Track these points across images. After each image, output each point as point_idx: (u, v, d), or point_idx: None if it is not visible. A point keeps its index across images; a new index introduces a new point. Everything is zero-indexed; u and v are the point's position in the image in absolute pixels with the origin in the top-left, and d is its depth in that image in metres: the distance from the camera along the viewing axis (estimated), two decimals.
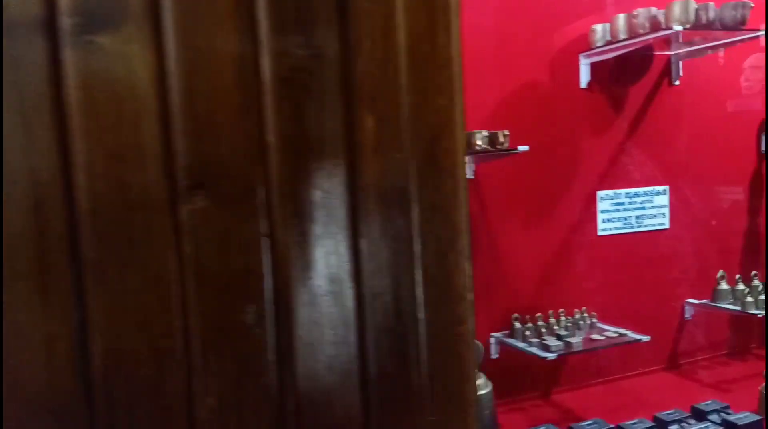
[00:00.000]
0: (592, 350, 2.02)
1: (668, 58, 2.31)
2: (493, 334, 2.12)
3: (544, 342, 1.91)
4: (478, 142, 1.72)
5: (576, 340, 1.91)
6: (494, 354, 2.13)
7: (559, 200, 2.21)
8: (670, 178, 2.36)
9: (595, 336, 1.98)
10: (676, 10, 1.85)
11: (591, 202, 2.26)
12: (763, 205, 2.52)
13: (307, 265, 0.93)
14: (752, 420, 1.83)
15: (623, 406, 2.10)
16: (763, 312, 2.16)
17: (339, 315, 0.95)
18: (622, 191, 2.29)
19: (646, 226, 2.34)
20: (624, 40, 1.98)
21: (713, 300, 2.31)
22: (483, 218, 2.12)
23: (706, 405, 1.95)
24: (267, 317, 0.88)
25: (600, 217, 2.27)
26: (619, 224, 2.29)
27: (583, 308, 2.16)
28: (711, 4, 1.92)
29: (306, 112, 0.91)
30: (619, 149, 2.28)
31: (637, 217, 2.32)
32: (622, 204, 2.30)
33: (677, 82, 2.32)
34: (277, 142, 0.90)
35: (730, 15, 1.89)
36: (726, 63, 2.37)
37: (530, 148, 2.13)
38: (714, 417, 1.90)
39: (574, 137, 2.22)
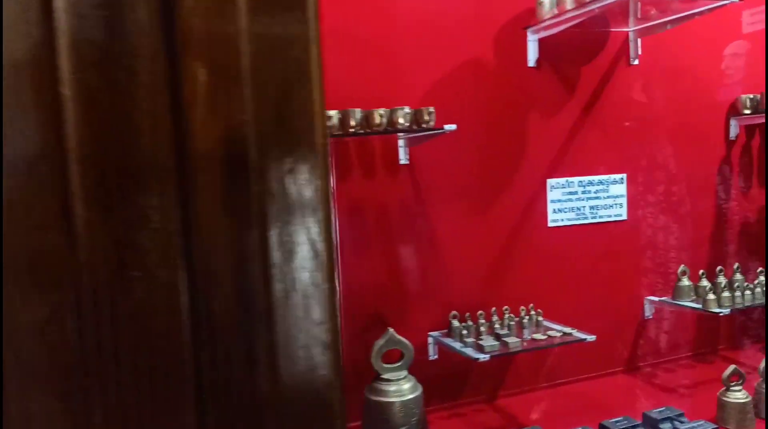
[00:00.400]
0: (531, 351, 1.85)
1: (626, 36, 2.14)
2: (431, 333, 1.94)
3: (479, 342, 1.73)
4: (400, 120, 1.55)
5: (513, 341, 1.73)
6: (432, 355, 1.95)
7: (505, 188, 2.04)
8: (628, 166, 2.19)
9: (538, 336, 1.80)
10: None
11: (541, 190, 2.08)
12: (732, 194, 2.36)
13: (119, 247, 0.75)
14: None
15: (571, 412, 1.93)
16: (727, 311, 1.98)
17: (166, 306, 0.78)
18: (575, 179, 2.12)
19: (601, 217, 2.17)
20: (571, 10, 1.80)
21: (674, 297, 2.14)
22: (420, 207, 1.94)
23: (659, 412, 1.78)
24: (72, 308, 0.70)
25: (550, 207, 2.09)
26: (571, 215, 2.12)
27: (530, 305, 1.98)
28: None
29: (111, 59, 0.73)
30: (572, 134, 2.11)
31: (592, 207, 2.15)
32: (575, 193, 2.12)
33: (636, 62, 2.14)
34: (73, 94, 0.73)
35: None
36: (689, 40, 2.19)
37: (475, 131, 1.97)
38: (666, 426, 1.73)
39: (522, 120, 2.04)
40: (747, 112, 2.25)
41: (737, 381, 1.76)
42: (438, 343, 1.91)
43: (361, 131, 1.54)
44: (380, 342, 1.71)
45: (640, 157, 2.20)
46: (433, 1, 1.90)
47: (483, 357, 1.68)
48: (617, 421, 1.74)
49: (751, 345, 2.39)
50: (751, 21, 2.40)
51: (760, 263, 2.32)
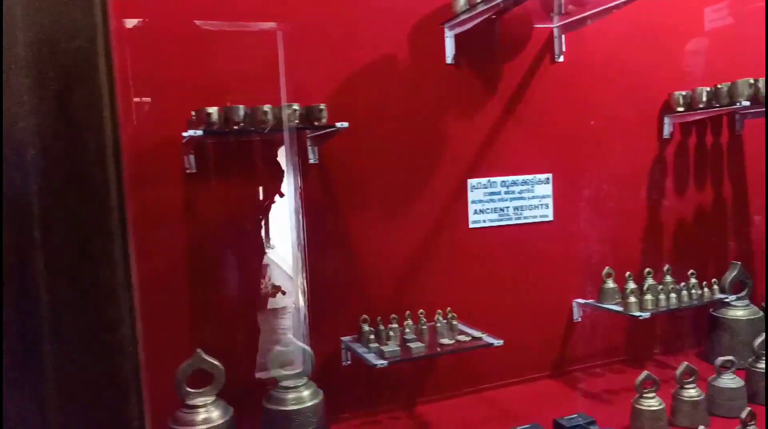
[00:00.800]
0: (434, 356, 1.79)
1: (550, 32, 2.08)
2: (343, 338, 1.88)
3: (381, 348, 1.67)
4: (291, 119, 1.49)
5: (416, 346, 1.68)
6: (345, 360, 1.89)
7: (423, 189, 1.98)
8: (554, 166, 2.13)
9: (445, 340, 1.74)
10: None
11: (461, 191, 2.02)
12: (666, 195, 2.30)
13: None
14: None
15: (486, 419, 1.88)
16: (647, 314, 1.93)
17: None
18: (497, 179, 2.06)
19: (526, 218, 2.11)
20: (481, 3, 1.73)
21: (599, 300, 2.09)
22: (332, 208, 1.88)
23: (569, 419, 1.72)
24: None
25: (471, 207, 2.03)
26: (494, 216, 2.06)
27: (448, 309, 1.91)
28: None
29: None
30: (494, 133, 2.05)
31: (516, 208, 2.09)
32: (498, 193, 2.06)
33: (561, 59, 2.09)
34: None
35: None
36: (618, 37, 2.14)
37: (390, 129, 1.91)
38: None
39: (441, 118, 1.98)
40: (680, 109, 2.19)
41: (651, 388, 1.71)
42: (348, 348, 1.85)
43: (251, 129, 1.48)
44: (184, 365, 1.60)
45: (567, 156, 2.14)
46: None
47: (381, 363, 1.62)
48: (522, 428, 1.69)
49: (687, 349, 2.33)
50: (711, 18, 2.35)
51: (693, 265, 2.26)
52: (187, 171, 1.70)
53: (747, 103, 1.95)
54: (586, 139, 2.16)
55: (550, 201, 2.13)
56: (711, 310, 2.21)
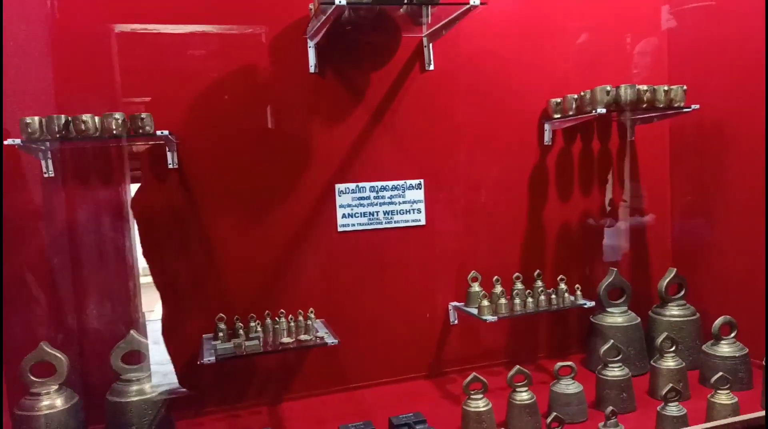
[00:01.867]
0: (269, 353, 1.85)
1: (419, 41, 2.13)
2: (205, 336, 1.96)
3: (216, 345, 1.76)
4: (113, 126, 1.59)
5: (251, 344, 1.75)
6: (201, 359, 1.96)
7: (290, 194, 2.05)
8: (426, 172, 2.18)
9: (286, 339, 1.82)
10: None
11: (329, 195, 2.09)
12: (548, 201, 2.32)
13: None
14: None
15: (342, 415, 1.92)
16: (494, 318, 1.96)
17: None
18: (366, 184, 2.12)
19: (397, 222, 2.16)
20: (322, 14, 1.79)
21: (466, 304, 2.12)
22: (192, 212, 1.97)
23: (404, 417, 1.77)
24: None
25: (339, 211, 2.10)
26: (363, 220, 2.12)
27: (310, 310, 1.98)
28: None
29: None
30: (361, 140, 2.11)
31: (386, 212, 2.14)
32: (367, 198, 2.12)
33: (431, 67, 2.13)
34: None
35: None
36: (490, 44, 2.17)
37: (252, 137, 1.99)
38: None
39: (306, 126, 2.05)
40: (557, 116, 2.20)
41: (479, 389, 1.74)
42: (205, 346, 1.93)
43: (73, 136, 1.59)
44: (120, 345, 1.75)
45: (441, 162, 2.19)
46: (201, 5, 1.93)
47: (209, 360, 1.70)
48: (356, 425, 1.74)
49: (572, 354, 2.34)
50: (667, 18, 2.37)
51: (574, 271, 2.27)
52: (45, 175, 1.82)
53: (603, 111, 1.96)
54: (461, 146, 2.20)
55: (422, 206, 2.17)
56: (591, 316, 2.22)
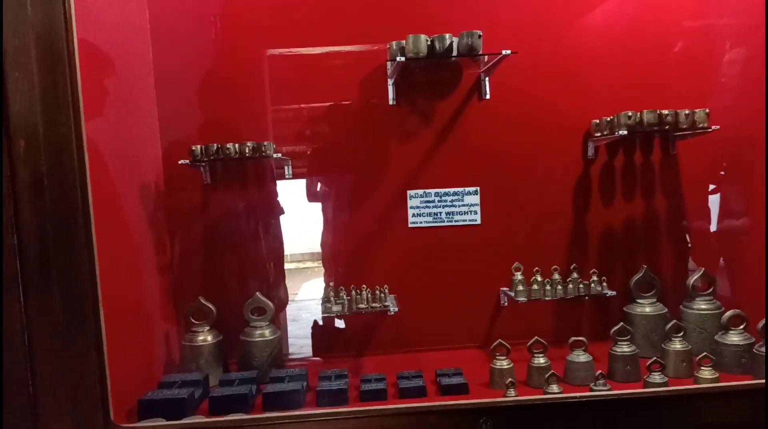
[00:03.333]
0: (345, 315, 2.49)
1: (477, 76, 2.65)
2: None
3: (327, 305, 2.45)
4: (247, 152, 2.34)
5: (336, 307, 2.42)
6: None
7: (372, 197, 2.69)
8: (482, 181, 2.69)
9: (362, 306, 2.46)
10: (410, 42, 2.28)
11: (402, 200, 2.69)
12: (591, 207, 2.71)
13: None
14: (457, 382, 2.19)
15: (401, 368, 2.52)
16: (525, 299, 2.43)
17: None
18: (432, 191, 2.69)
19: (456, 221, 2.70)
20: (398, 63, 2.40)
21: (510, 288, 2.60)
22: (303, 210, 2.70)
23: (447, 370, 2.32)
24: None
25: (410, 211, 2.70)
26: (429, 219, 2.70)
27: (385, 286, 2.60)
28: (447, 34, 2.29)
29: None
30: (429, 156, 2.68)
31: (447, 213, 2.70)
32: (432, 202, 2.69)
33: (487, 97, 2.64)
34: None
35: (463, 43, 2.26)
36: (533, 77, 2.62)
37: (344, 154, 2.66)
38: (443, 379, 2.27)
39: (386, 146, 2.68)
40: (597, 134, 2.60)
41: (503, 353, 2.24)
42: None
43: (221, 157, 2.37)
44: (249, 302, 2.50)
45: (495, 173, 2.68)
46: (305, 61, 2.63)
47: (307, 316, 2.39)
48: (409, 372, 2.33)
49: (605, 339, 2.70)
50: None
51: (609, 268, 2.64)
52: (205, 182, 2.64)
53: (624, 132, 2.34)
54: (512, 160, 2.68)
55: (478, 208, 2.70)
56: (623, 307, 2.59)
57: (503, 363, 2.23)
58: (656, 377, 2.03)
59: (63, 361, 1.76)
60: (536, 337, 2.24)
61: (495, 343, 2.25)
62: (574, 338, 2.25)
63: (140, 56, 2.53)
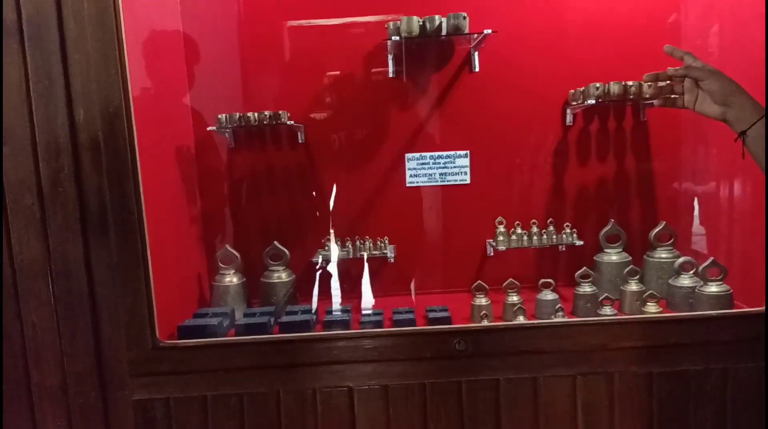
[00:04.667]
0: (348, 260, 2.90)
1: (468, 50, 2.98)
2: (319, 250, 3.09)
3: (322, 253, 2.86)
4: (264, 120, 2.74)
5: (341, 253, 2.83)
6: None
7: (373, 160, 3.07)
8: (472, 146, 3.04)
9: (364, 253, 2.86)
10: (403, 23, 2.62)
11: (401, 162, 3.07)
12: (567, 168, 3.05)
13: None
14: (441, 316, 2.60)
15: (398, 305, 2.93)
16: (504, 248, 2.81)
17: None
18: (427, 154, 3.06)
19: (448, 181, 3.07)
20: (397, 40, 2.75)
21: (494, 239, 2.98)
22: (312, 169, 3.09)
23: (436, 307, 2.73)
24: None
25: (408, 172, 3.07)
26: (424, 178, 3.07)
27: (385, 237, 3.00)
28: (437, 16, 2.62)
29: None
30: (425, 123, 3.04)
31: (441, 173, 3.07)
32: (427, 163, 3.06)
33: (476, 69, 2.97)
34: None
35: (450, 24, 2.59)
36: (517, 50, 2.94)
37: (349, 122, 3.04)
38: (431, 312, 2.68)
39: (386, 114, 3.04)
40: (574, 103, 2.92)
41: (482, 291, 2.64)
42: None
43: (243, 125, 2.76)
44: (267, 249, 2.93)
45: (483, 138, 3.03)
46: (316, 33, 2.99)
47: (316, 261, 2.81)
48: (404, 309, 2.74)
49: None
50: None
51: (572, 220, 2.99)
52: (230, 146, 3.05)
53: (592, 102, 2.66)
54: (499, 126, 3.02)
55: (468, 169, 3.06)
56: (594, 256, 2.96)
57: (482, 300, 2.63)
58: (606, 310, 2.41)
59: (118, 289, 2.21)
60: (510, 279, 2.62)
61: (475, 284, 2.64)
62: (543, 280, 2.63)
63: (173, 34, 2.91)
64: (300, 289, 3.02)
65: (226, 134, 3.01)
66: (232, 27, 3.00)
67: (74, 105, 2.17)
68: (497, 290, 2.72)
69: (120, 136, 2.18)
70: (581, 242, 2.84)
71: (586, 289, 2.62)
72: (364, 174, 3.08)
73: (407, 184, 3.08)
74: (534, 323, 2.26)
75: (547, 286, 2.63)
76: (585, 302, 2.60)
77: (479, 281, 2.64)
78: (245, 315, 2.72)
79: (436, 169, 3.07)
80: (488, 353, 2.22)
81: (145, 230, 2.21)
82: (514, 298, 2.61)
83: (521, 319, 2.41)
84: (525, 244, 2.83)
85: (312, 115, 3.04)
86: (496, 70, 2.99)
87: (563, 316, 2.42)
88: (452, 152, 3.05)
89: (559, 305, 2.45)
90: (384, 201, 3.10)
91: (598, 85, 2.67)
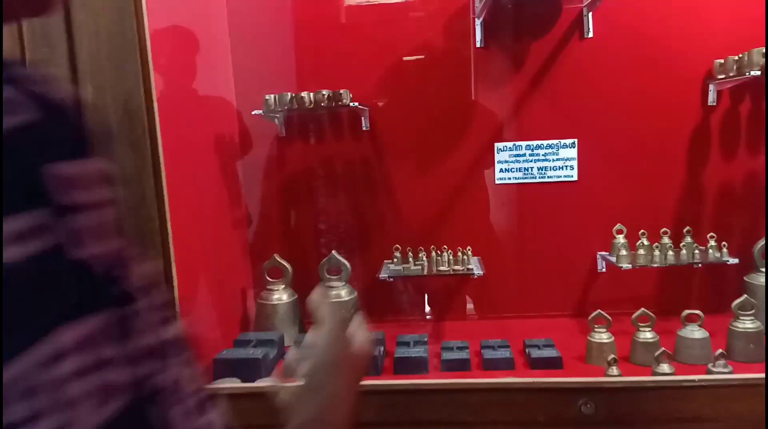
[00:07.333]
0: (424, 276, 2.31)
1: (578, 11, 2.32)
2: (386, 260, 2.52)
3: (392, 266, 2.29)
4: (322, 101, 2.18)
5: (415, 268, 2.25)
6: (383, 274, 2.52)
7: (456, 150, 2.47)
8: (580, 132, 2.40)
9: (443, 268, 2.27)
10: None
11: (489, 153, 2.46)
12: (709, 160, 2.36)
13: None
14: (549, 355, 1.98)
15: (485, 335, 2.34)
16: (630, 266, 2.15)
17: None
18: (523, 143, 2.43)
19: (550, 177, 2.44)
20: None
21: (611, 253, 2.33)
22: (379, 163, 2.52)
23: (537, 341, 2.12)
24: None
25: (498, 166, 2.45)
26: (519, 174, 2.45)
27: (468, 247, 2.40)
28: None
29: None
30: (520, 104, 2.41)
31: (540, 168, 2.44)
32: (523, 155, 2.44)
33: (590, 35, 2.32)
34: None
35: None
36: (644, 10, 2.27)
37: (426, 103, 2.45)
38: (533, 351, 2.07)
39: (471, 94, 2.43)
40: (721, 77, 2.23)
41: (603, 325, 2.01)
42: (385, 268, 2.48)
43: (296, 108, 2.22)
44: (324, 261, 2.39)
45: (595, 123, 2.38)
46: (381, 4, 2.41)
47: (383, 277, 2.25)
48: (495, 342, 2.14)
49: (724, 309, 2.38)
50: None
51: (730, 232, 2.30)
52: (280, 135, 2.52)
53: (757, 73, 1.97)
54: (617, 108, 2.36)
55: (575, 163, 2.41)
56: (744, 276, 2.26)
57: (603, 336, 2.00)
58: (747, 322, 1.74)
59: None
60: (642, 309, 1.98)
61: (594, 314, 2.01)
62: (688, 311, 1.97)
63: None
64: (364, 309, 2.45)
65: (276, 120, 2.47)
66: None
67: (80, 81, 1.69)
68: (613, 317, 2.06)
69: (138, 124, 1.69)
70: (735, 260, 2.15)
71: (747, 325, 1.94)
72: (442, 168, 2.48)
73: (496, 182, 2.47)
74: (695, 381, 1.61)
75: (693, 319, 1.97)
76: (747, 342, 1.93)
77: (599, 311, 2.01)
78: (296, 342, 2.18)
79: (534, 162, 2.44)
80: (627, 420, 1.60)
81: (170, 244, 1.70)
82: (648, 336, 1.97)
83: (666, 369, 1.77)
84: (657, 261, 2.17)
85: (378, 99, 2.47)
86: (614, 36, 2.32)
87: (726, 365, 1.76)
88: (555, 141, 2.42)
89: (720, 351, 1.78)
90: (467, 202, 2.50)
91: (764, 50, 1.97)
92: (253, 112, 2.33)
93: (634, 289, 2.44)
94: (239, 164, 2.55)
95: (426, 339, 2.17)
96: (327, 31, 2.45)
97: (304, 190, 2.56)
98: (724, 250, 2.16)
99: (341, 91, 2.20)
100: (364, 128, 2.48)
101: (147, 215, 1.67)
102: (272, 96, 2.23)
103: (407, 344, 2.13)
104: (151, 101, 1.69)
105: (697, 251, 2.17)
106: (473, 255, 2.40)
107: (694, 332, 1.96)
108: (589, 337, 2.02)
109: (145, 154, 1.68)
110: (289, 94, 2.22)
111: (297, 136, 2.53)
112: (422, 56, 2.43)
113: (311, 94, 2.22)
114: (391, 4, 2.41)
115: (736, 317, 1.97)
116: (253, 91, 2.42)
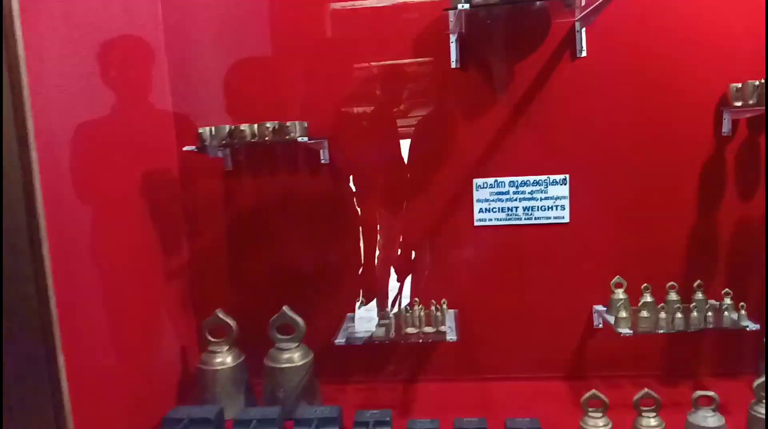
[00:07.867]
0: (388, 342, 1.96)
1: (569, 27, 1.98)
2: (349, 314, 2.18)
3: (351, 328, 1.95)
4: (267, 134, 1.84)
5: (378, 332, 1.91)
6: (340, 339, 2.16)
7: (428, 187, 2.13)
8: (573, 167, 2.06)
9: (410, 330, 1.93)
10: None
11: (467, 190, 2.11)
12: (724, 199, 2.02)
13: None
14: None
15: (461, 405, 2.00)
16: (630, 332, 1.81)
17: None
18: (506, 179, 2.09)
19: (537, 218, 2.09)
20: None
21: (608, 310, 1.99)
22: (340, 202, 2.17)
23: (520, 421, 1.77)
24: None
25: (477, 206, 2.11)
26: (501, 215, 2.11)
27: (443, 301, 2.05)
28: None
29: None
30: (502, 134, 2.07)
31: (526, 208, 2.09)
32: (506, 193, 2.10)
33: (583, 54, 1.98)
34: None
35: None
36: (647, 26, 1.93)
37: (393, 137, 2.11)
38: None
39: (445, 121, 2.09)
40: (738, 103, 1.89)
41: (599, 408, 1.66)
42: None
43: (235, 143, 1.88)
44: (275, 318, 2.05)
45: (591, 156, 2.04)
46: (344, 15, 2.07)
47: (339, 342, 1.90)
48: (470, 421, 1.80)
49: (743, 374, 2.04)
50: None
51: (730, 284, 1.95)
52: (226, 169, 2.18)
53: None
54: (615, 138, 2.02)
55: (566, 202, 2.07)
56: (766, 339, 1.92)
57: (598, 422, 1.65)
58: None
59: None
60: (646, 391, 1.63)
61: (588, 395, 1.67)
62: (700, 393, 1.63)
63: (148, 19, 2.05)
64: (320, 373, 2.11)
65: (220, 153, 2.13)
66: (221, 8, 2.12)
67: None
68: (613, 380, 1.72)
69: (9, 174, 1.35)
70: (756, 326, 1.80)
71: None
72: (413, 207, 2.15)
73: (475, 223, 2.13)
74: None
75: (707, 402, 1.63)
76: None
77: (594, 391, 1.66)
78: (236, 423, 1.84)
79: (519, 201, 2.09)
80: None
81: (53, 319, 1.37)
82: (652, 422, 1.62)
83: None
84: (663, 326, 1.82)
85: (340, 129, 2.12)
86: (611, 55, 1.99)
87: None
88: (543, 177, 2.07)
89: None
90: (442, 247, 2.16)
91: None
92: (184, 148, 1.98)
93: (635, 347, 2.09)
94: (180, 204, 2.21)
95: (389, 417, 1.82)
96: (284, 56, 2.10)
97: (254, 232, 2.22)
98: (743, 312, 1.81)
99: (288, 124, 1.85)
100: (322, 161, 2.13)
101: (21, 291, 1.33)
102: (207, 129, 1.89)
103: (366, 425, 1.78)
104: (27, 150, 1.35)
105: (710, 313, 1.82)
106: (449, 308, 2.05)
107: (708, 419, 1.61)
108: (582, 424, 1.68)
109: (18, 212, 1.34)
110: (227, 126, 1.87)
111: (246, 171, 2.19)
112: (390, 80, 2.09)
113: (254, 126, 1.88)
114: (356, 17, 2.07)
115: (758, 400, 1.63)
116: (201, 121, 2.06)
